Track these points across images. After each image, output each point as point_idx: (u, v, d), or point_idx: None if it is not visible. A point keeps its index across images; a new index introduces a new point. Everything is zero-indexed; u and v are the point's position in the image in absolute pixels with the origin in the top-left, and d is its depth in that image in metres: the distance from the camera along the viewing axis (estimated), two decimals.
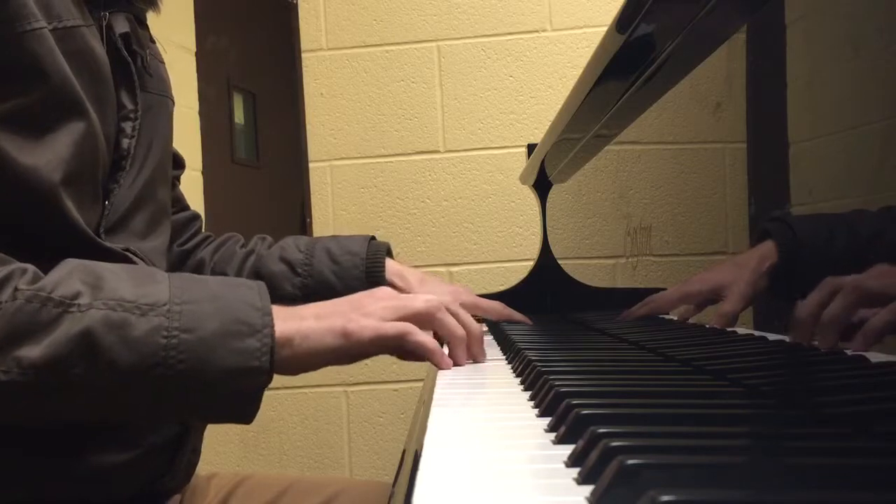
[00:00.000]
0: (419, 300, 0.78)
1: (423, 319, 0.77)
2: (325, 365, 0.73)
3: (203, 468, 0.94)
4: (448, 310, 0.79)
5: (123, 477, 0.76)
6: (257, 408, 0.67)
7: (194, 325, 0.64)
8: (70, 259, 0.68)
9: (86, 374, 0.62)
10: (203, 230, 1.15)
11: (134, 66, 0.82)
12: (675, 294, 0.91)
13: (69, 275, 0.65)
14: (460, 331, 0.80)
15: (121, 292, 0.65)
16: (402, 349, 0.76)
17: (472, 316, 0.85)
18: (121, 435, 0.76)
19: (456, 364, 0.80)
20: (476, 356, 0.83)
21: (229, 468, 2.06)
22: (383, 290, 0.79)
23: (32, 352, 0.61)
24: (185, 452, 0.83)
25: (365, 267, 1.06)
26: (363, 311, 0.74)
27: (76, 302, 0.63)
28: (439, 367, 0.77)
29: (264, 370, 0.66)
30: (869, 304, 0.48)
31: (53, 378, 0.62)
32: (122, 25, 0.82)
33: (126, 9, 0.83)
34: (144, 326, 0.63)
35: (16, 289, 0.62)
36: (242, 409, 0.67)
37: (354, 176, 2.15)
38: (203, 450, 0.91)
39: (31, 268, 0.65)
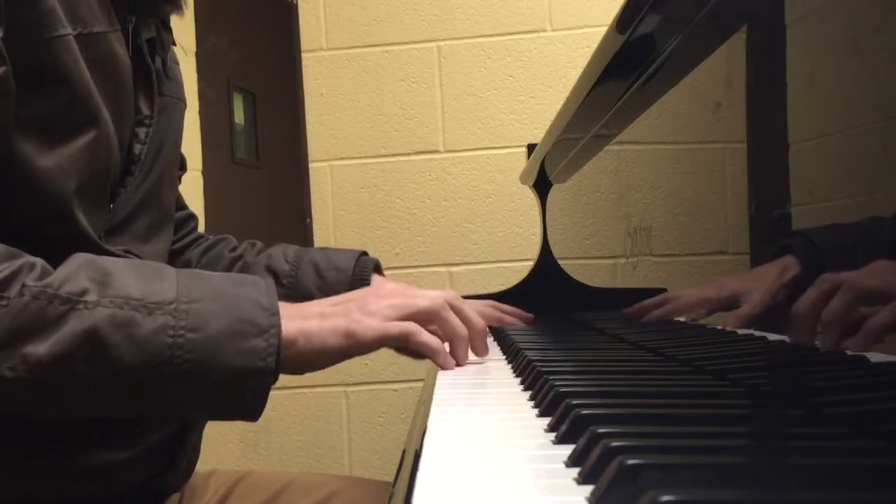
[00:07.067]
0: (424, 298, 0.78)
1: (427, 318, 0.77)
2: (331, 364, 0.73)
3: (202, 468, 0.94)
4: (452, 306, 0.79)
5: (123, 475, 0.76)
6: (263, 406, 0.67)
7: (201, 324, 0.64)
8: (79, 254, 0.67)
9: (92, 372, 0.62)
10: (198, 230, 1.14)
11: (155, 72, 0.82)
12: (693, 298, 0.89)
13: (77, 271, 0.65)
14: (463, 330, 0.80)
15: (128, 290, 0.65)
16: (406, 348, 0.76)
17: None
18: (120, 434, 0.76)
19: (457, 363, 0.80)
20: (478, 351, 0.83)
21: (229, 468, 2.05)
22: (388, 287, 0.78)
23: (38, 349, 0.61)
24: (185, 451, 0.83)
25: (350, 284, 1.04)
26: (367, 310, 0.74)
27: (83, 299, 0.63)
28: (442, 367, 0.78)
29: (270, 370, 0.66)
30: (869, 303, 0.48)
31: (59, 375, 0.62)
32: (148, 30, 0.81)
33: (153, 13, 0.82)
34: (151, 325, 0.63)
35: (23, 285, 0.62)
36: (248, 407, 0.67)
37: (354, 176, 2.15)
38: (203, 449, 0.91)
39: (39, 262, 0.65)
